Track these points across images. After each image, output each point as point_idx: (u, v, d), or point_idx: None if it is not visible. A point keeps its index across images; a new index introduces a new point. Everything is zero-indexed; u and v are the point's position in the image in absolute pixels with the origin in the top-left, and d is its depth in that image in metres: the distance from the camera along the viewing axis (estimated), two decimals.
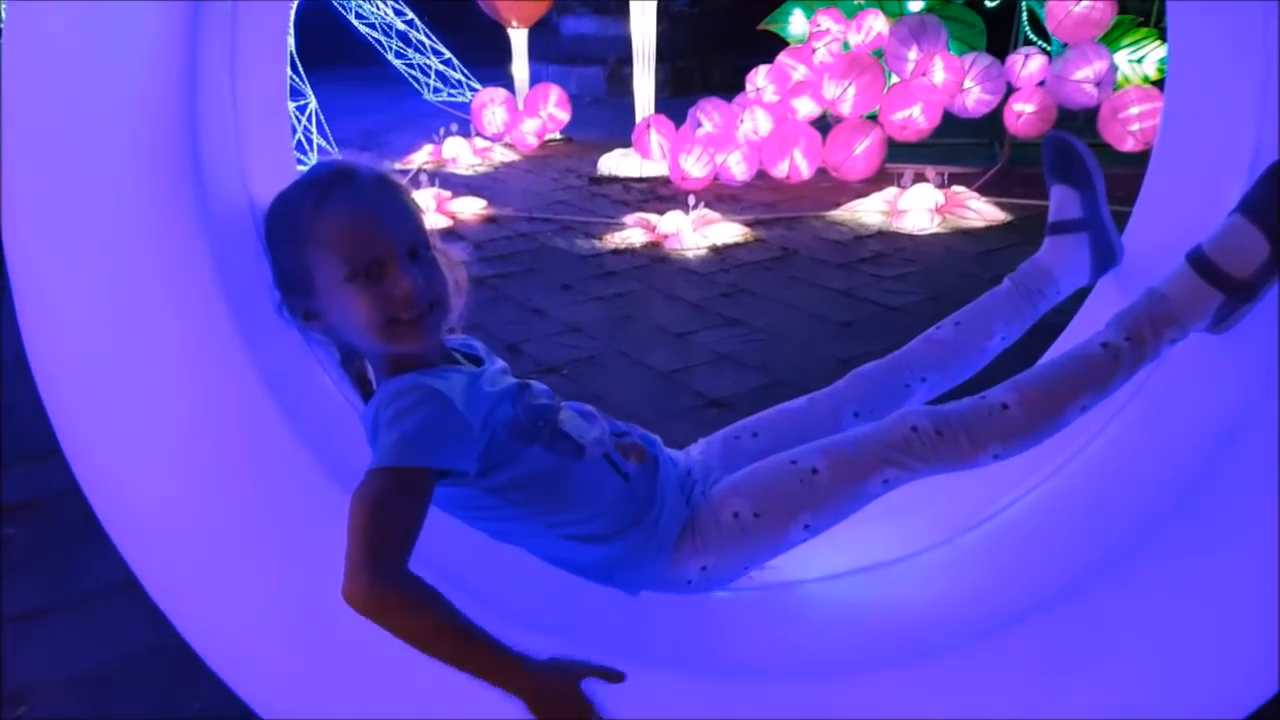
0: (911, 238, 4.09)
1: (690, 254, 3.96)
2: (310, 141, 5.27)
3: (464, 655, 0.93)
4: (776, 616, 1.34)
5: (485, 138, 5.97)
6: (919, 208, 4.21)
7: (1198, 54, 1.44)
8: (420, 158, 5.68)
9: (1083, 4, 4.44)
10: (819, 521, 1.17)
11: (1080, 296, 1.58)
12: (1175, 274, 1.20)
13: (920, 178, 4.37)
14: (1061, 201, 1.46)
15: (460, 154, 5.66)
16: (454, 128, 5.78)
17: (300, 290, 1.07)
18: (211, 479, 1.09)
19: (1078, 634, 1.14)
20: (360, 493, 0.94)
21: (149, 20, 1.01)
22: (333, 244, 1.02)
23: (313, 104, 5.27)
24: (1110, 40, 4.72)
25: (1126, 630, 1.14)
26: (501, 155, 5.83)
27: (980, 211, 4.28)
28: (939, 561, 1.40)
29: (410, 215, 1.08)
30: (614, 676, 0.97)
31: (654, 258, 3.94)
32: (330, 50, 7.35)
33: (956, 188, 4.44)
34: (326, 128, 5.37)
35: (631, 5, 5.27)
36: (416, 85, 7.56)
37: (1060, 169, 1.47)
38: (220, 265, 1.06)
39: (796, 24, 5.44)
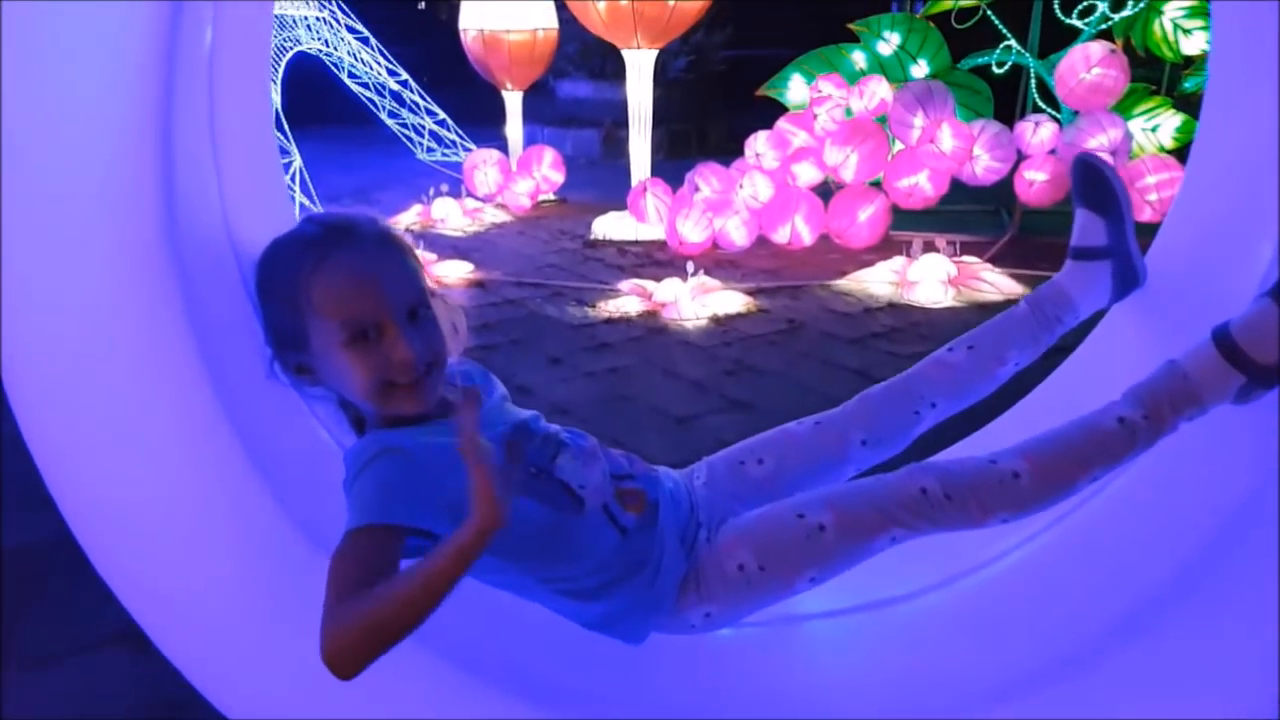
0: (925, 311, 3.87)
1: (689, 325, 3.73)
2: (293, 199, 5.08)
3: (432, 590, 0.84)
4: (779, 659, 1.34)
5: (477, 198, 5.80)
6: (931, 279, 4.00)
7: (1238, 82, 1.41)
8: (408, 218, 5.50)
9: (1094, 71, 4.31)
10: (824, 574, 1.17)
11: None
12: (1198, 351, 1.17)
13: (930, 247, 4.18)
14: (1086, 227, 1.43)
15: (450, 215, 5.48)
16: (444, 188, 5.61)
17: (293, 347, 1.03)
18: (185, 526, 1.11)
19: (1073, 708, 1.15)
20: (331, 560, 0.92)
21: (121, 66, 0.99)
22: (331, 308, 0.99)
23: (297, 162, 5.10)
24: (1123, 109, 4.60)
25: (1133, 699, 1.14)
26: (493, 216, 5.66)
27: (996, 284, 4.08)
28: (938, 608, 1.39)
29: (411, 274, 1.04)
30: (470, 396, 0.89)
31: (651, 328, 3.71)
32: (322, 109, 7.25)
33: (967, 258, 4.25)
34: (310, 186, 5.18)
35: (628, 70, 5.16)
36: (409, 145, 7.44)
37: (1088, 194, 1.43)
38: (194, 313, 1.06)
39: (796, 90, 5.32)
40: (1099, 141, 4.33)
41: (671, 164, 6.34)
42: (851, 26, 5.20)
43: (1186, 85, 4.77)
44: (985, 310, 3.86)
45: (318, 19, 6.79)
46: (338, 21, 6.90)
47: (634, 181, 5.21)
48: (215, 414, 1.10)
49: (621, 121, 5.85)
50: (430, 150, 7.39)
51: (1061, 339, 1.43)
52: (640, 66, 5.11)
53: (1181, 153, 4.40)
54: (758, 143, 4.86)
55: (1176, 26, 4.63)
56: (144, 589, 1.15)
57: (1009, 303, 4.05)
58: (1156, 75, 4.92)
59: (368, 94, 7.22)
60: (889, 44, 5.12)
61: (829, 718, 1.24)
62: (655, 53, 5.12)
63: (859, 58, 5.18)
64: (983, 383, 1.37)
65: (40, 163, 0.99)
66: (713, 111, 8.28)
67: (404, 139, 7.42)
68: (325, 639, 0.85)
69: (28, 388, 1.07)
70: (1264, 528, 1.12)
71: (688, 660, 1.29)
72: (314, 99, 6.66)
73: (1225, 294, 1.27)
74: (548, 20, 5.93)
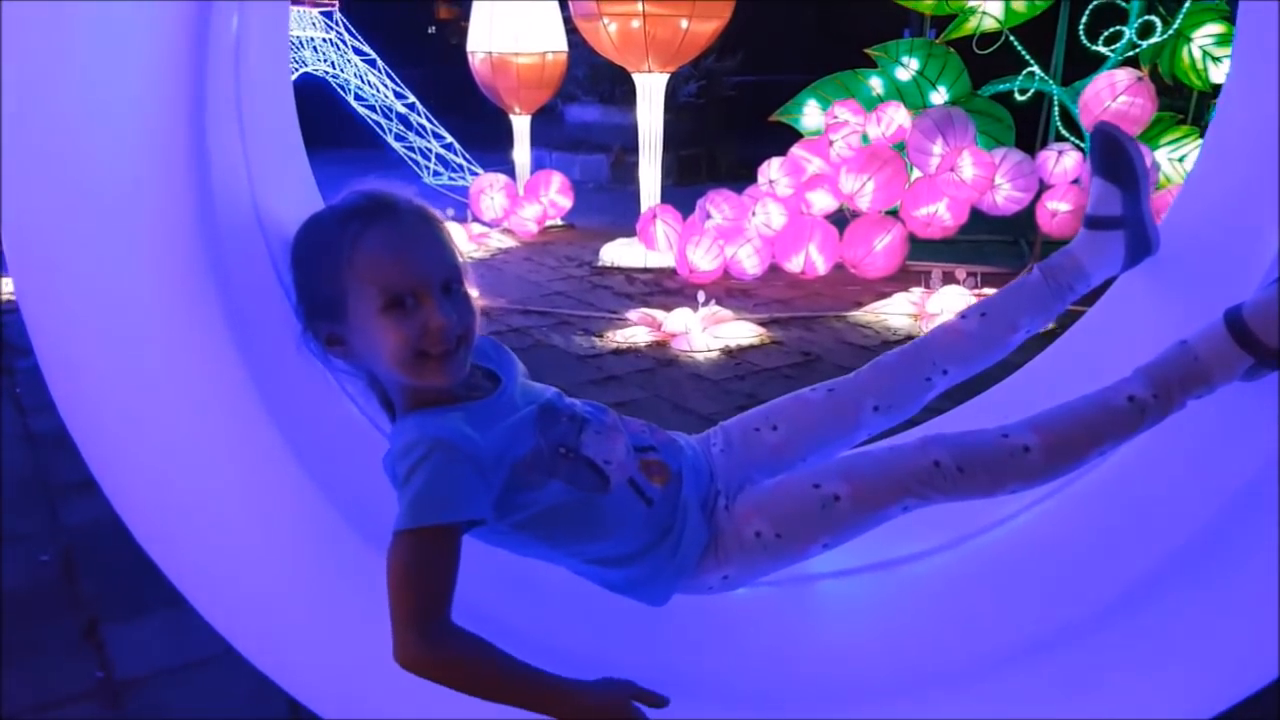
0: None
1: (700, 357, 3.58)
2: None
3: (517, 697, 0.99)
4: (792, 618, 1.38)
5: (483, 223, 5.69)
6: (951, 311, 3.85)
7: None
8: None
9: (1120, 99, 4.19)
10: (837, 541, 1.21)
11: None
12: (1209, 333, 1.19)
13: (949, 278, 4.04)
14: (1102, 196, 1.44)
15: (455, 239, 5.35)
16: (450, 212, 5.49)
17: (327, 317, 1.05)
18: (223, 502, 1.14)
19: (1079, 671, 1.18)
20: (390, 558, 0.98)
21: (152, 55, 1.01)
22: (371, 274, 1.01)
23: None
24: (1149, 138, 4.46)
25: (1132, 663, 1.18)
26: (499, 242, 5.55)
27: None
28: (947, 568, 1.42)
29: (447, 249, 1.07)
30: (659, 701, 1.02)
31: (660, 360, 3.56)
32: (329, 132, 7.17)
33: (987, 289, 4.10)
34: None
35: (638, 94, 5.05)
36: (416, 168, 7.35)
37: (1106, 165, 1.44)
38: (229, 299, 1.08)
39: (811, 116, 5.21)
40: None
41: (682, 190, 6.24)
42: (869, 52, 5.09)
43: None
44: None
45: (324, 40, 6.74)
46: (344, 43, 6.84)
47: (643, 207, 5.10)
48: (250, 396, 1.13)
49: (631, 146, 5.76)
50: (437, 174, 7.31)
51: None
52: (651, 90, 5.01)
53: None
54: (771, 169, 4.74)
55: (1206, 54, 4.50)
56: (187, 565, 1.19)
57: (1031, 337, 3.89)
58: (1183, 104, 4.79)
59: (374, 117, 7.15)
60: (907, 69, 5.01)
61: (839, 675, 1.27)
62: (666, 77, 5.02)
63: (876, 83, 5.07)
64: (994, 349, 1.39)
65: (74, 148, 1.01)
66: (723, 137, 8.22)
67: (410, 163, 7.34)
68: (404, 651, 0.95)
69: (67, 376, 1.10)
70: (1268, 497, 1.15)
71: (702, 618, 1.31)
72: (319, 121, 6.58)
73: (1232, 264, 1.31)
74: (557, 43, 5.85)
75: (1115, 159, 1.43)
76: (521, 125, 6.08)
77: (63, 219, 1.03)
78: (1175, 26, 4.48)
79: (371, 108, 7.15)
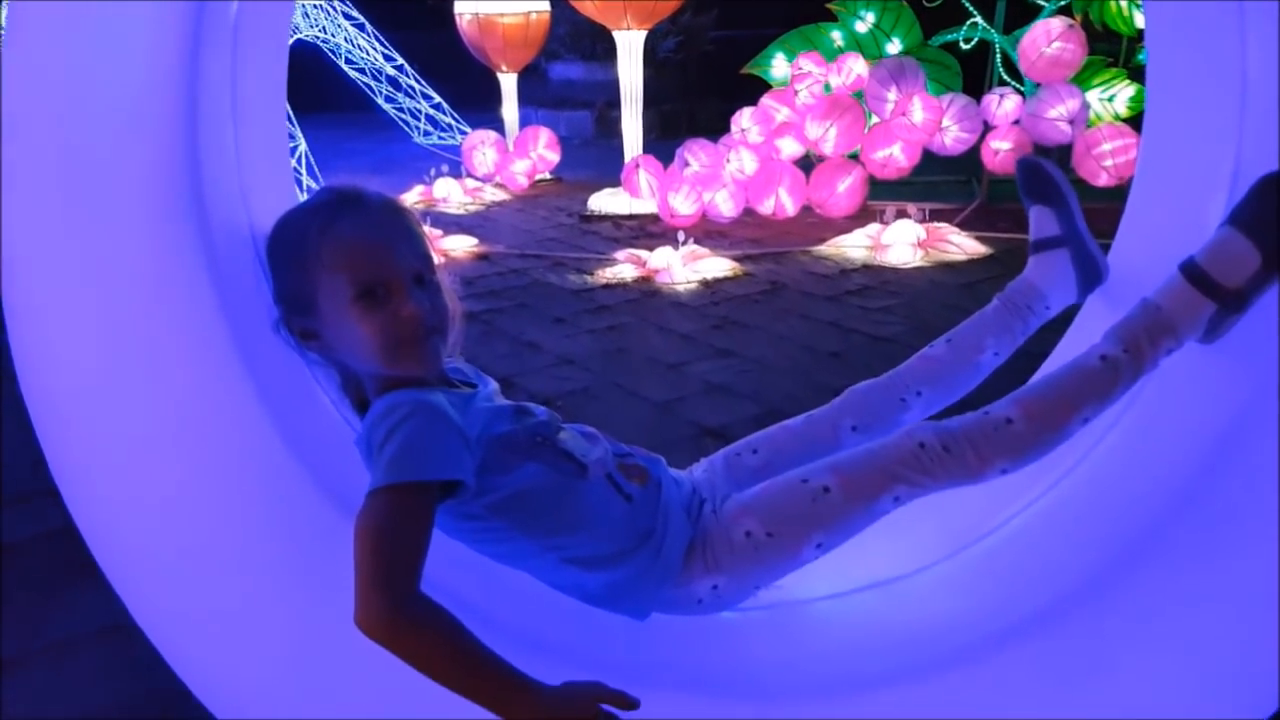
0: (896, 271, 4.18)
1: (681, 288, 4.04)
2: (300, 184, 5.34)
3: (476, 686, 0.90)
4: (786, 637, 1.33)
5: (476, 178, 6.06)
6: (902, 242, 4.31)
7: (1176, 75, 1.49)
8: (411, 198, 5.76)
9: (1054, 45, 4.61)
10: (831, 539, 1.18)
11: (1068, 317, 1.63)
12: (1169, 284, 1.22)
13: (902, 214, 4.49)
14: (1040, 220, 1.52)
15: (451, 194, 5.75)
16: (445, 169, 5.87)
17: (301, 310, 1.06)
18: (208, 500, 1.10)
19: (1082, 645, 1.14)
20: (362, 517, 0.94)
21: (149, 45, 1.03)
22: (340, 266, 1.02)
23: (302, 146, 5.36)
24: (1081, 80, 4.89)
25: (1130, 639, 1.15)
26: (492, 195, 5.92)
27: (961, 245, 4.39)
28: (945, 576, 1.41)
29: (417, 240, 1.08)
30: (629, 703, 0.91)
31: (645, 291, 4.01)
32: (321, 95, 7.44)
33: (938, 223, 4.55)
34: (316, 169, 5.44)
35: (619, 51, 5.42)
36: (406, 129, 7.67)
37: (1034, 190, 1.53)
38: (220, 288, 1.09)
39: (779, 67, 5.60)
40: (1058, 112, 4.63)
41: (663, 144, 6.54)
42: (830, 6, 5.48)
43: (1141, 57, 5.07)
44: (951, 269, 4.19)
45: (315, 6, 7.02)
46: (334, 9, 7.12)
47: (627, 160, 5.48)
48: (248, 399, 1.11)
49: (614, 102, 6.09)
50: (427, 134, 7.63)
51: (1037, 344, 1.50)
52: (630, 47, 5.36)
53: (1136, 121, 4.70)
54: (743, 119, 5.14)
55: (1131, 2, 4.92)
56: (148, 582, 1.14)
57: (973, 262, 4.37)
58: (1114, 49, 5.21)
59: (365, 79, 7.45)
60: (865, 23, 5.40)
61: (830, 672, 1.24)
62: (644, 33, 5.37)
63: (837, 36, 5.47)
64: (965, 372, 1.44)
65: (65, 127, 1.02)
66: (703, 92, 8.46)
67: (401, 123, 7.66)
68: (367, 614, 0.89)
69: (44, 366, 1.08)
70: (1248, 467, 1.12)
71: (694, 644, 1.28)
72: (313, 86, 6.87)
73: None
74: (540, 3, 6.18)
75: (1039, 182, 1.51)
76: (508, 83, 6.42)
77: (54, 215, 1.04)
78: None
79: (362, 71, 7.44)
